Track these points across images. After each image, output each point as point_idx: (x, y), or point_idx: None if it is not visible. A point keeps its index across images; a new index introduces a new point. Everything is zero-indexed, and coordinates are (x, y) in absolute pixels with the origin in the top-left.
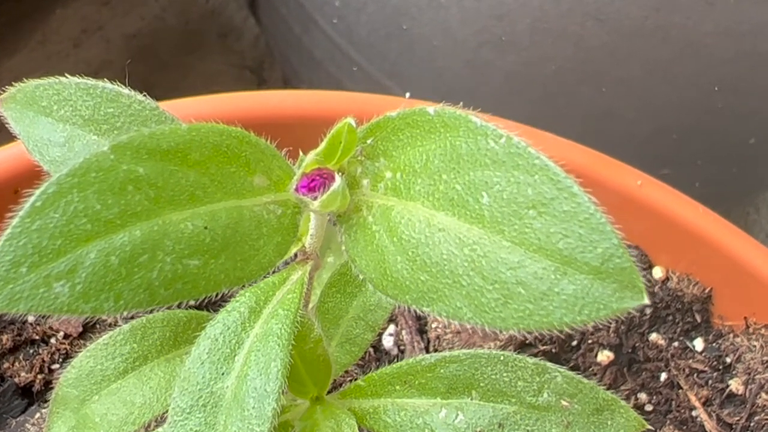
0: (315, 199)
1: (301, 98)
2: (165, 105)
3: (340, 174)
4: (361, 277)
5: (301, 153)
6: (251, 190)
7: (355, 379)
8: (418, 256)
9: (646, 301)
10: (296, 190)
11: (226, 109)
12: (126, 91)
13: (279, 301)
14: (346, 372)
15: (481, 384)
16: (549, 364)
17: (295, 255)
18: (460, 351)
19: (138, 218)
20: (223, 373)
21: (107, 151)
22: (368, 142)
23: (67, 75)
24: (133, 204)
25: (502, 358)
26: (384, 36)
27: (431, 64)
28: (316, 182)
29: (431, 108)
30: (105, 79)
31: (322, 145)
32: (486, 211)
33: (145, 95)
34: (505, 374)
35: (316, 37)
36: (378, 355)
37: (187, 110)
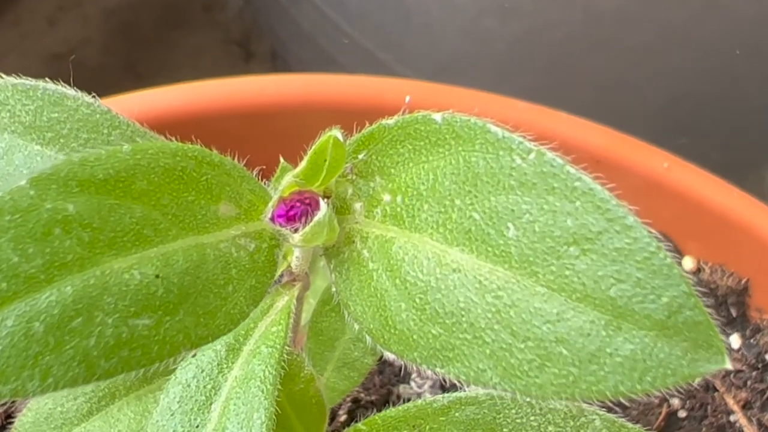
0: (295, 231)
1: (283, 84)
2: (128, 98)
3: (325, 199)
4: (356, 326)
5: (281, 160)
6: (215, 223)
7: (356, 398)
8: (428, 303)
9: (728, 365)
10: (272, 219)
11: (199, 99)
12: (71, 92)
13: (261, 335)
14: None
15: (504, 430)
16: (585, 405)
17: (281, 276)
18: (478, 391)
19: (68, 270)
20: (197, 426)
21: (25, 186)
22: (360, 157)
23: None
24: (62, 252)
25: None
26: (377, 5)
27: (428, 34)
28: (297, 210)
29: (438, 114)
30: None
31: (303, 164)
32: (513, 248)
33: (94, 96)
34: (532, 418)
35: (303, 7)
36: (380, 367)
37: (153, 103)
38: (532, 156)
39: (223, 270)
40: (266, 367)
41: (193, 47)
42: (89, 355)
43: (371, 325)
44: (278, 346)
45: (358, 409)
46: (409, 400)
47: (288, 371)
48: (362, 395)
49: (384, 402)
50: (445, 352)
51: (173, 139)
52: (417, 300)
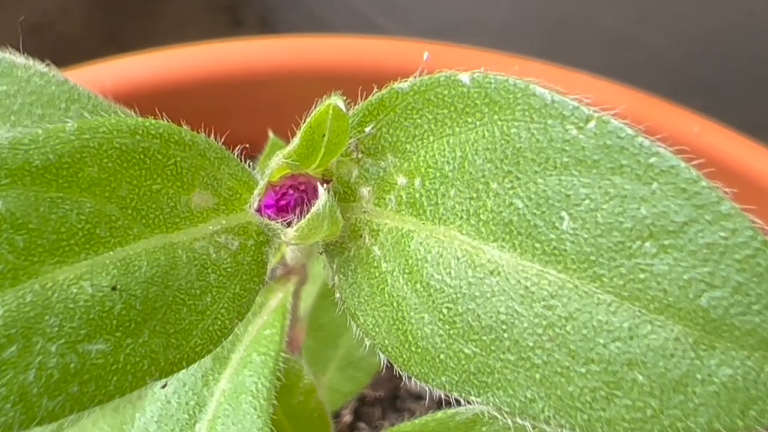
0: (288, 224)
1: (273, 48)
2: (101, 67)
3: (325, 184)
4: (367, 342)
5: (270, 134)
6: (188, 217)
7: (362, 395)
8: (458, 315)
9: None
10: (258, 210)
11: (179, 67)
12: (21, 60)
13: (252, 340)
14: None
15: None
16: None
17: (274, 268)
18: None
19: None
20: None
21: None
22: (367, 130)
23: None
24: None
25: None
26: None
27: None
28: (289, 198)
29: (465, 75)
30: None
31: (296, 141)
32: (568, 243)
33: (48, 64)
34: None
35: None
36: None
37: (128, 72)
38: (591, 125)
39: (199, 276)
40: (259, 378)
41: (178, 16)
42: (27, 393)
43: (386, 341)
44: (272, 353)
45: (363, 406)
46: (418, 395)
47: (285, 382)
48: (368, 391)
49: (392, 398)
50: (482, 376)
51: (152, 115)
52: (444, 310)
